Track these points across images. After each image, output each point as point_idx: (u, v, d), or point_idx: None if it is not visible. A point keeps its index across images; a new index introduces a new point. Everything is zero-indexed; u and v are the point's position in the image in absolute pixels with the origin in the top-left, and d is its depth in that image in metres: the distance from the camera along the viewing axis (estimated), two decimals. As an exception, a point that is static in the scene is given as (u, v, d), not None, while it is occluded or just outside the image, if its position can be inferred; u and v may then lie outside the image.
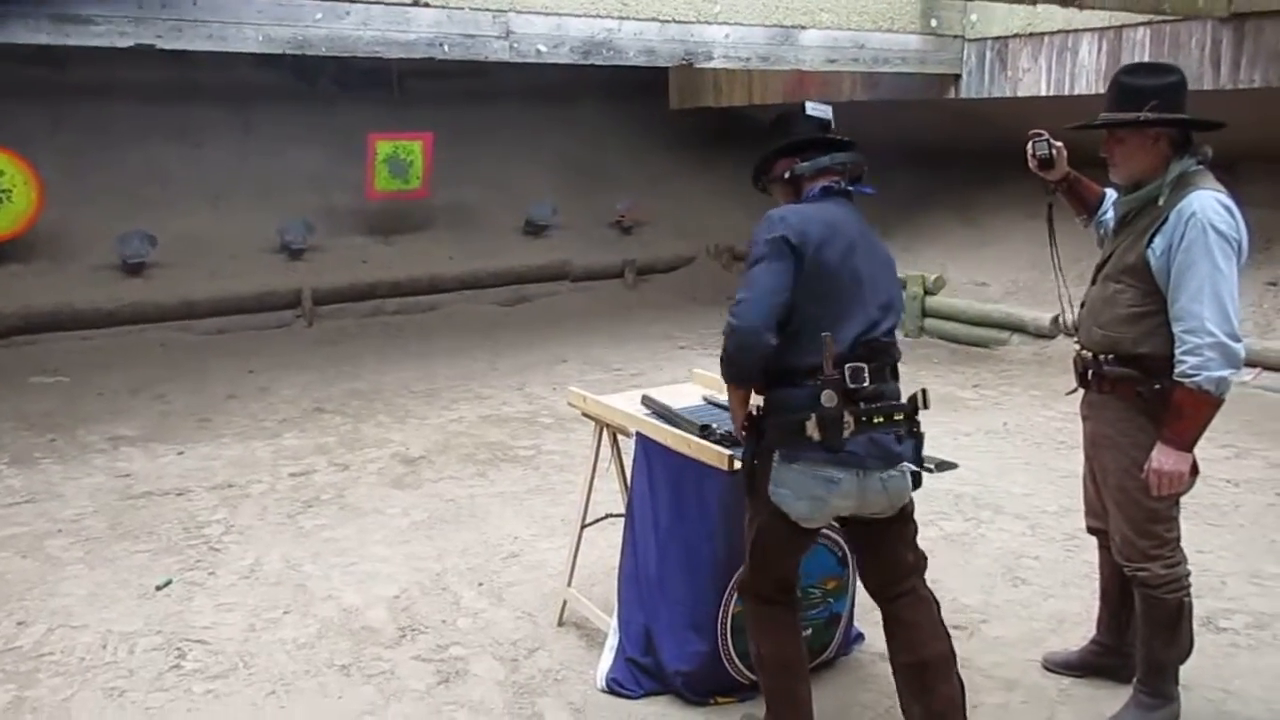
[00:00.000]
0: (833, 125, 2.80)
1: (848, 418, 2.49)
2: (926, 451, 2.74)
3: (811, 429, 2.49)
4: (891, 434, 2.57)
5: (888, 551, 2.73)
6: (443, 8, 6.23)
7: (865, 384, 2.52)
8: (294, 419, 6.77)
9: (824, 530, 3.17)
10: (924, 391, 2.70)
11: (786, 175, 2.75)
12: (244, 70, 10.78)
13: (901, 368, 2.73)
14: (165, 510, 5.09)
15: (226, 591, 4.15)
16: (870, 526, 2.70)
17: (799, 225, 2.54)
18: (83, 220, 9.61)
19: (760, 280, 2.51)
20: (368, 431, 6.46)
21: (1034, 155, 3.17)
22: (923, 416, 2.70)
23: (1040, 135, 3.16)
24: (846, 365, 2.51)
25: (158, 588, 4.19)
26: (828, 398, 2.48)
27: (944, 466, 2.96)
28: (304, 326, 9.82)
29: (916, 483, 2.68)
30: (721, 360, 2.59)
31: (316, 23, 5.97)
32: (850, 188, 2.73)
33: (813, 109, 2.76)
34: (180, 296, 9.47)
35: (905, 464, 2.58)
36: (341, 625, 3.84)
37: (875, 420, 2.53)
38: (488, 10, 6.36)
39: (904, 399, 2.64)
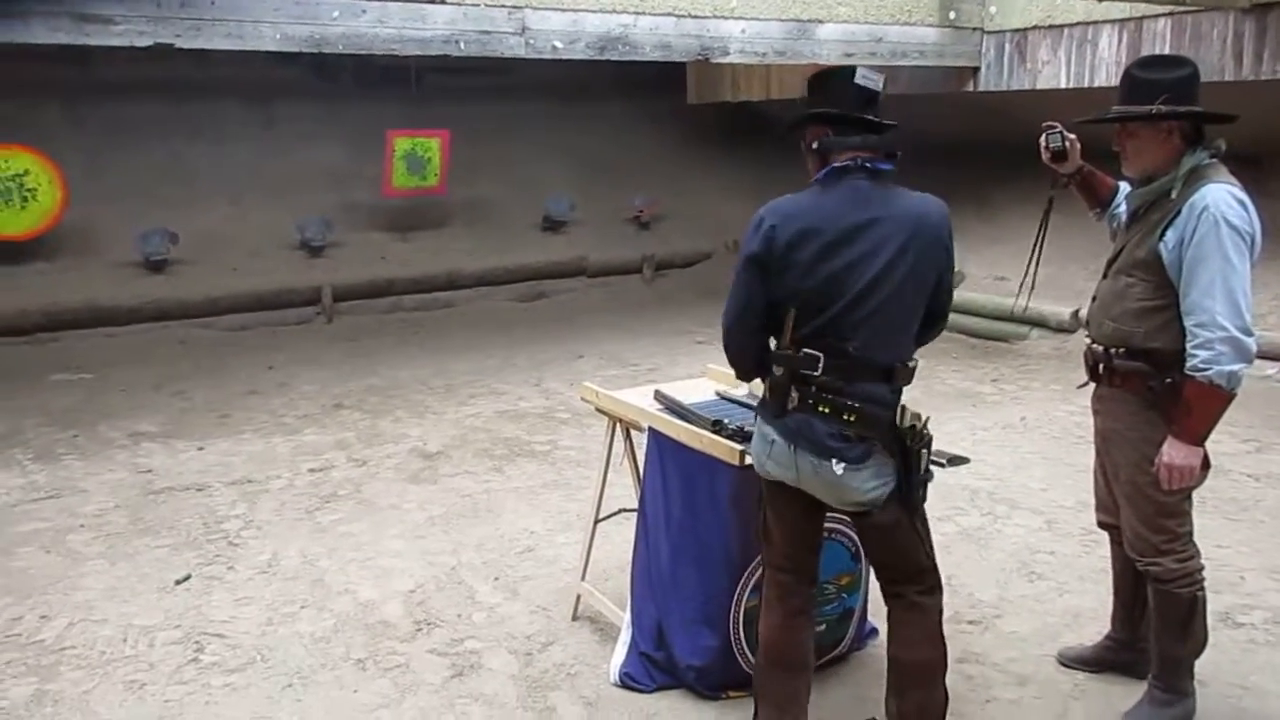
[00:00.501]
0: (880, 98, 2.61)
1: (793, 393, 2.57)
2: (939, 446, 2.72)
3: (765, 389, 2.68)
4: (835, 429, 2.52)
5: (887, 546, 2.70)
6: (459, 4, 6.26)
7: (815, 373, 2.53)
8: (313, 415, 6.83)
9: (837, 525, 3.18)
10: (910, 412, 2.58)
11: (815, 145, 2.64)
12: (264, 67, 10.83)
13: (921, 362, 2.70)
14: (185, 505, 5.15)
15: (244, 586, 4.20)
16: (860, 523, 2.71)
17: (768, 235, 2.53)
18: (105, 218, 9.70)
19: (735, 293, 2.67)
20: (385, 427, 6.50)
21: (1047, 148, 3.17)
22: (936, 409, 2.67)
23: (1053, 127, 3.15)
24: (803, 349, 2.55)
25: (177, 582, 4.24)
26: (775, 368, 2.62)
27: (956, 461, 2.96)
28: (323, 323, 9.89)
29: (904, 499, 2.59)
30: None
31: (334, 20, 6.01)
32: (869, 164, 2.56)
33: (863, 78, 2.58)
34: (201, 293, 9.55)
35: (837, 461, 2.51)
36: (358, 619, 3.88)
37: (820, 408, 2.54)
38: (503, 6, 6.38)
39: (892, 409, 2.56)
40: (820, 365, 2.52)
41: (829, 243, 2.49)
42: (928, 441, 2.60)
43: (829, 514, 2.77)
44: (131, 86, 10.20)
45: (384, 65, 10.81)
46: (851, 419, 2.52)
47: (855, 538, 3.25)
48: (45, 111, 9.90)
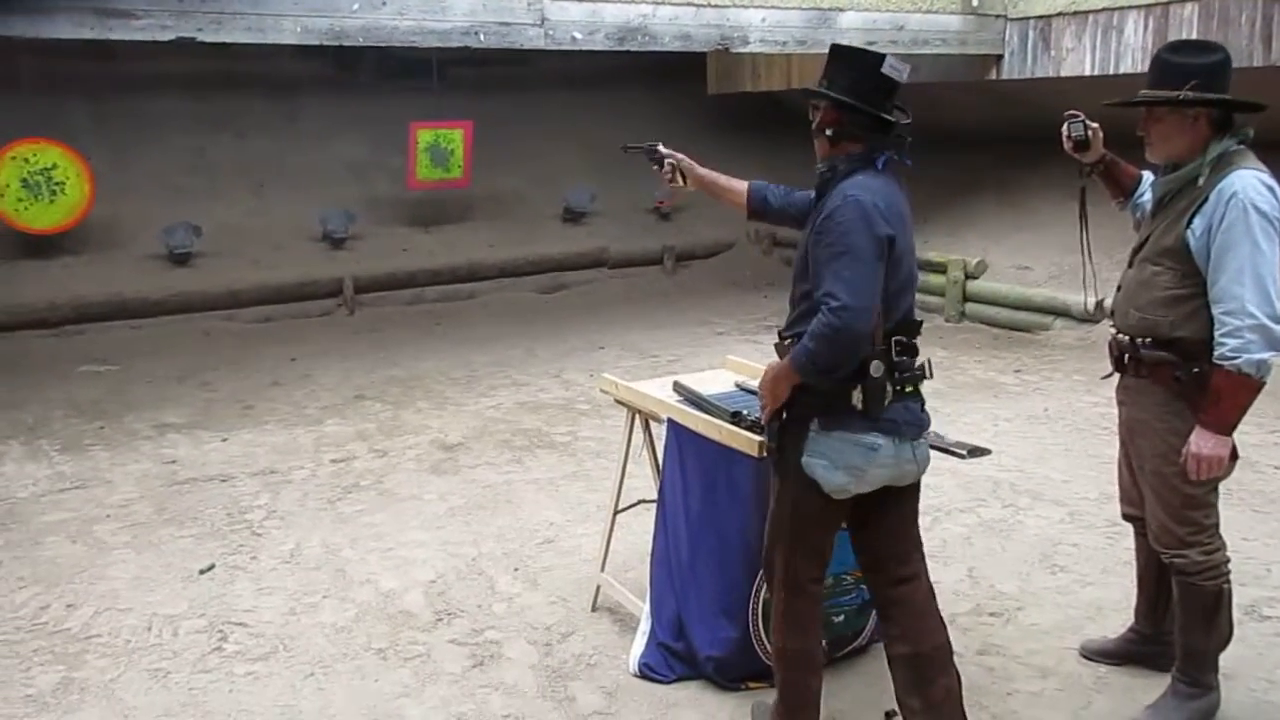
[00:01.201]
0: (899, 87, 2.60)
1: (889, 388, 2.55)
2: (960, 437, 2.72)
3: (856, 398, 2.52)
4: (919, 403, 2.64)
5: (896, 524, 2.71)
6: (478, -4, 6.26)
7: (910, 359, 2.59)
8: (335, 406, 6.87)
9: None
10: (929, 361, 2.72)
11: (829, 132, 2.62)
12: (286, 60, 10.92)
13: (943, 352, 2.73)
14: (209, 496, 5.19)
15: (267, 575, 4.23)
16: (884, 498, 2.66)
17: (887, 215, 2.49)
18: (130, 212, 9.79)
19: (867, 284, 2.43)
20: (407, 418, 6.53)
21: (1069, 137, 3.13)
22: (957, 399, 2.70)
23: (1076, 116, 3.12)
24: (894, 339, 2.56)
25: (201, 572, 4.28)
26: (875, 368, 2.52)
27: (977, 452, 2.95)
28: (346, 315, 9.93)
29: None
30: (814, 359, 2.45)
31: (353, 13, 6.03)
32: (900, 159, 2.62)
33: (890, 68, 2.54)
34: (225, 286, 9.62)
35: (930, 431, 2.61)
36: (379, 609, 3.90)
37: (907, 389, 2.59)
38: (523, -2, 6.38)
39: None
40: (905, 347, 2.59)
41: (904, 231, 2.57)
42: None
43: None
44: (156, 81, 10.29)
45: (405, 57, 10.85)
46: (919, 388, 2.63)
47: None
48: (72, 106, 10.01)
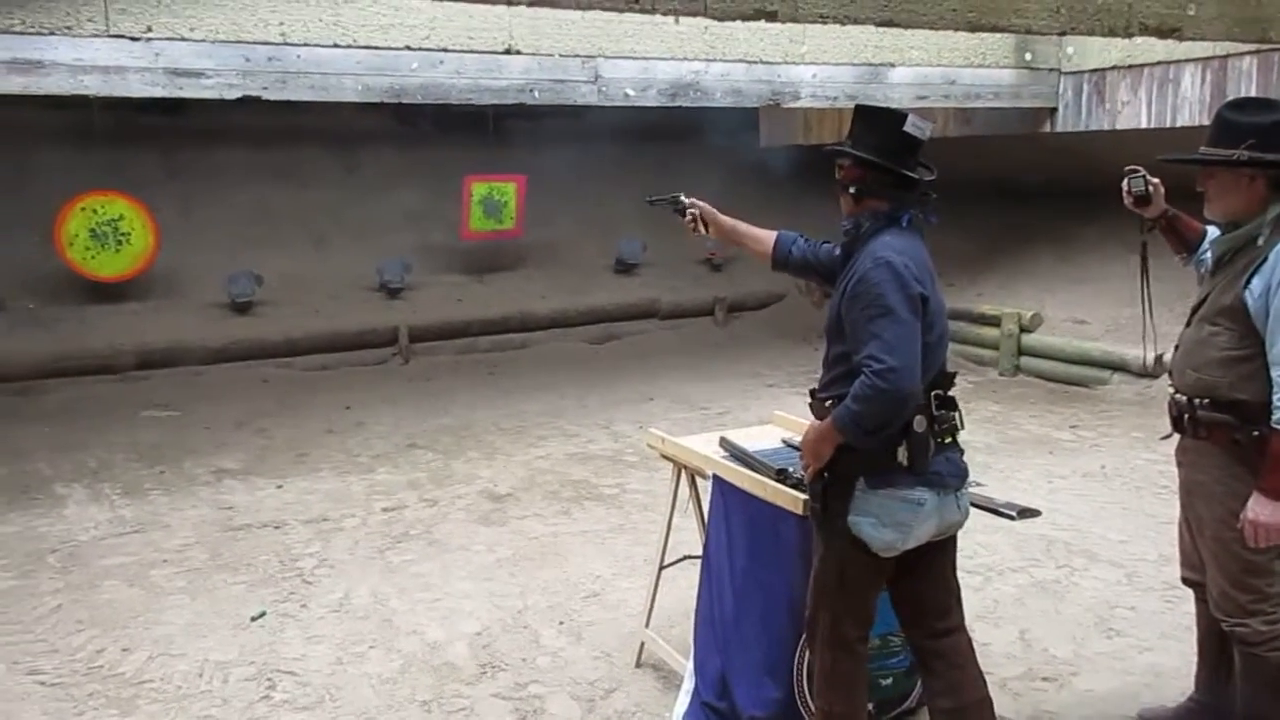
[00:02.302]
0: (923, 145, 2.65)
1: (931, 441, 2.55)
2: (1014, 494, 2.70)
3: (902, 455, 2.52)
4: (958, 453, 2.66)
5: (938, 575, 2.71)
6: (533, 55, 6.41)
7: (950, 411, 2.61)
8: (387, 454, 6.95)
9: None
10: (960, 410, 2.74)
11: (852, 190, 2.68)
12: (348, 115, 11.16)
13: (996, 407, 2.75)
14: (263, 542, 5.27)
15: (316, 624, 4.28)
16: (926, 549, 2.66)
17: (918, 274, 2.53)
18: (195, 260, 10.08)
19: (908, 344, 2.44)
20: (457, 467, 6.58)
21: (1129, 192, 3.10)
22: (1011, 455, 2.71)
23: (1136, 171, 3.09)
24: (933, 392, 2.58)
25: (252, 618, 4.33)
26: (919, 423, 2.52)
27: (1026, 514, 2.90)
28: (400, 363, 10.08)
29: None
30: (859, 421, 2.46)
31: (413, 72, 6.20)
32: (925, 217, 2.69)
33: (912, 126, 2.60)
34: (284, 334, 9.83)
35: (974, 486, 2.62)
36: (424, 661, 3.91)
37: (946, 440, 2.61)
38: (577, 56, 6.52)
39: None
40: (946, 404, 2.61)
41: (932, 287, 2.59)
42: None
43: None
44: (222, 134, 10.63)
45: (462, 111, 11.09)
46: (957, 438, 2.65)
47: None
48: (142, 159, 10.36)
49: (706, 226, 3.25)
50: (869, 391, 2.41)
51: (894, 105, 7.58)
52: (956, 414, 2.65)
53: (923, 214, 2.66)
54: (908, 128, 2.59)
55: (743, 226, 3.21)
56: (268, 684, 3.76)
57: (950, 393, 2.65)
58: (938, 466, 2.58)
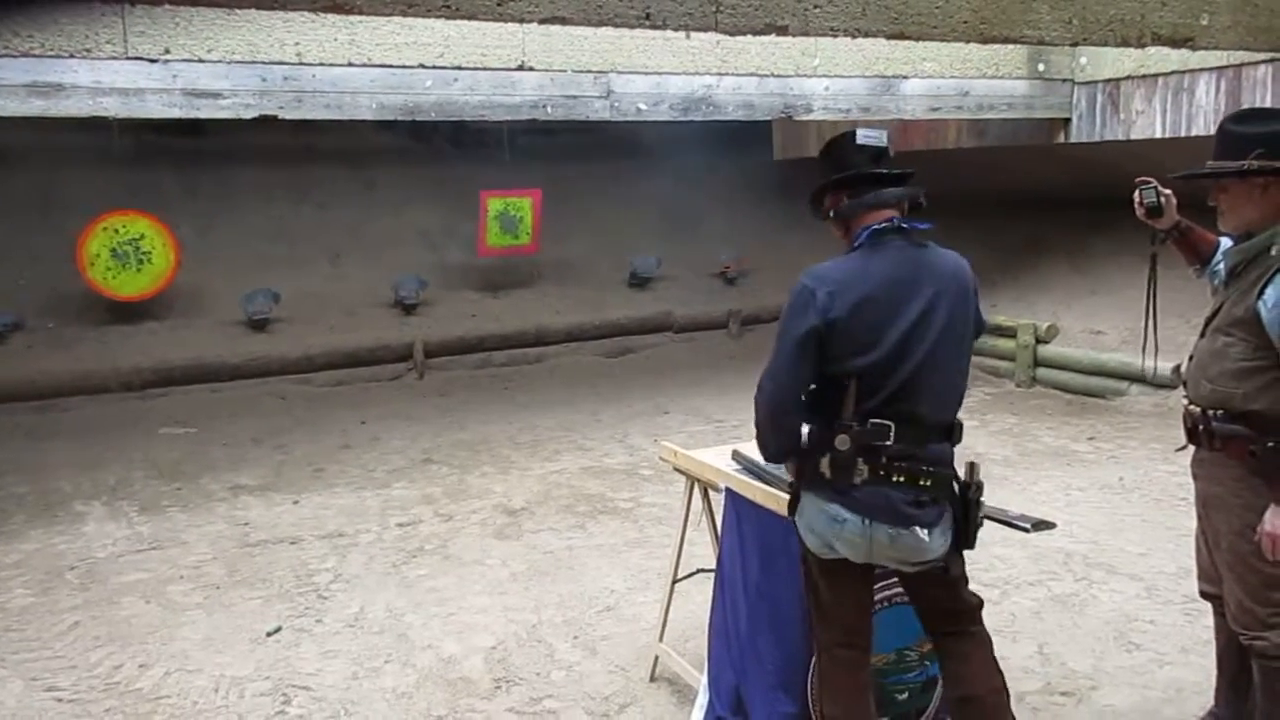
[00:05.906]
0: (890, 153, 2.64)
1: (860, 465, 2.49)
2: (1030, 507, 2.67)
3: (824, 466, 2.53)
4: (911, 495, 2.51)
5: (931, 602, 2.70)
6: (546, 71, 6.46)
7: (887, 442, 2.48)
8: (403, 469, 6.97)
9: (898, 589, 3.11)
10: (974, 465, 2.63)
11: (832, 214, 2.68)
12: (363, 132, 11.31)
13: (1013, 419, 2.70)
14: (279, 558, 5.29)
15: (332, 639, 4.29)
16: (913, 577, 2.67)
17: (824, 307, 2.46)
18: (213, 279, 10.17)
19: (782, 371, 2.53)
20: (472, 482, 6.60)
21: (1141, 203, 3.09)
22: (1028, 467, 2.65)
23: (1147, 183, 3.08)
24: (871, 420, 2.48)
25: (269, 634, 4.35)
26: (841, 441, 2.49)
27: (1041, 526, 2.88)
28: (415, 379, 10.12)
29: (959, 546, 2.63)
30: (756, 428, 2.63)
31: (427, 90, 6.26)
32: (905, 224, 2.57)
33: (863, 137, 2.61)
34: (301, 350, 9.89)
35: (919, 528, 2.50)
36: (439, 675, 3.92)
37: (895, 478, 2.50)
38: (589, 72, 6.56)
39: (954, 466, 2.59)
40: (892, 434, 2.48)
41: (888, 309, 2.49)
42: (982, 487, 2.64)
43: (889, 579, 2.76)
44: (239, 154, 10.75)
45: (477, 128, 11.18)
46: (928, 483, 2.50)
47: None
48: (162, 178, 10.49)
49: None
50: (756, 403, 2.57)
51: (907, 117, 7.62)
52: (921, 465, 2.49)
53: (905, 224, 2.57)
54: (860, 140, 2.61)
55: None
56: (283, 699, 3.77)
57: (913, 430, 2.49)
58: (864, 495, 2.49)
